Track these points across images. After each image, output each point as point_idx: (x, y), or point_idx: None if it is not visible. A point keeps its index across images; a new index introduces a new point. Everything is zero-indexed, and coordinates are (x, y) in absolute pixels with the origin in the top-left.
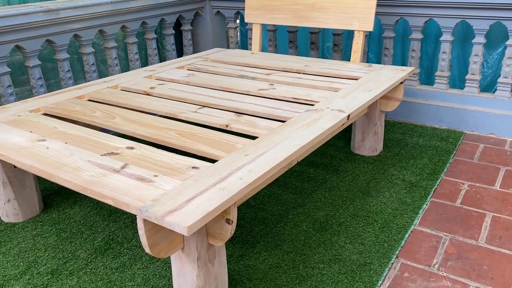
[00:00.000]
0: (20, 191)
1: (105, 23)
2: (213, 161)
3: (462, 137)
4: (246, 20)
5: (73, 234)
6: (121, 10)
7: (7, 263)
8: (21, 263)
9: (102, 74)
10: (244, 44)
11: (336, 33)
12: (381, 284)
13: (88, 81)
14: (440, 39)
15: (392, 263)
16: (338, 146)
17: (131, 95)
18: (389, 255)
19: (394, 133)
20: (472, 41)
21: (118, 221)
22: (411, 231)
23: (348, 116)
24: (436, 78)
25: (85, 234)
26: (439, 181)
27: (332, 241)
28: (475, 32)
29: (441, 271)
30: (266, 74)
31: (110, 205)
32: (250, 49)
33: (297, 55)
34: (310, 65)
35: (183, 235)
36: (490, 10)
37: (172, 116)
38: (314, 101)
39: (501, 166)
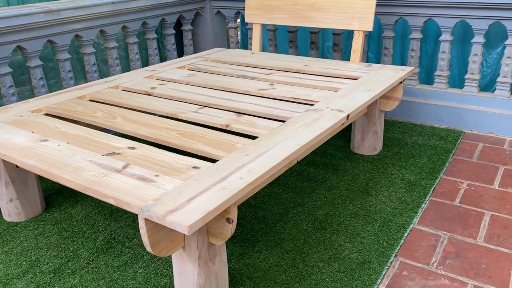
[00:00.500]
0: (22, 191)
1: (106, 23)
2: (213, 161)
3: (461, 136)
4: (246, 20)
5: (75, 233)
6: (122, 10)
7: (9, 262)
8: (24, 262)
9: (102, 73)
10: (245, 43)
11: (336, 33)
12: (380, 282)
13: (89, 81)
14: (440, 38)
15: (391, 262)
16: (337, 145)
17: (132, 95)
18: (388, 254)
19: (394, 133)
20: (472, 40)
21: (119, 220)
22: (410, 230)
23: (348, 116)
24: (435, 77)
25: (86, 233)
26: (438, 180)
27: (331, 240)
28: (474, 31)
29: (440, 269)
30: (266, 74)
31: (111, 205)
32: (251, 49)
33: (297, 55)
34: (310, 65)
35: (184, 234)
36: (489, 10)
37: (172, 116)
38: (313, 101)
39: (500, 165)
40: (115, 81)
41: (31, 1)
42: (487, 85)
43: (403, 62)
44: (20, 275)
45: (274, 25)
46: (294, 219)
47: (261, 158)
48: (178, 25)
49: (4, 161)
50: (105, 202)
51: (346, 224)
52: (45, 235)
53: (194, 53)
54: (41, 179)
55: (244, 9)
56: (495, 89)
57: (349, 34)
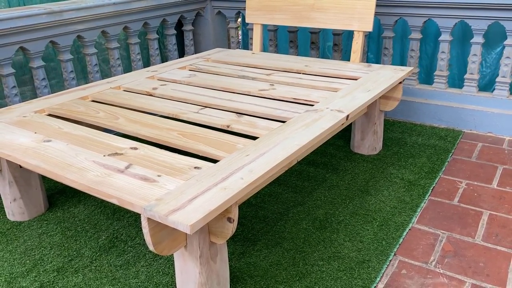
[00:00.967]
0: (25, 190)
1: (107, 24)
2: (214, 161)
3: (461, 136)
4: (247, 21)
5: (77, 233)
6: (124, 11)
7: (13, 261)
8: (28, 261)
9: (104, 73)
10: (246, 44)
11: (336, 33)
12: (379, 281)
13: (91, 81)
14: (439, 39)
15: (390, 260)
16: (337, 145)
17: (133, 96)
18: (387, 253)
19: (394, 132)
20: (471, 41)
21: (121, 219)
22: (409, 229)
23: (347, 116)
24: (435, 77)
25: (89, 233)
26: (437, 179)
27: (331, 239)
28: (473, 32)
29: (438, 268)
30: (267, 75)
31: (114, 204)
32: (251, 49)
33: (297, 55)
34: (310, 65)
35: (186, 233)
36: (488, 10)
37: (174, 117)
38: (313, 101)
39: (499, 164)
40: (117, 82)
41: (32, 2)
42: (487, 85)
43: (402, 62)
44: (24, 273)
45: (274, 25)
46: (294, 218)
47: (262, 158)
48: (179, 25)
49: (7, 161)
50: (108, 202)
51: (346, 223)
52: (49, 234)
53: (195, 53)
54: (44, 179)
55: (245, 10)
56: (494, 89)
57: (350, 34)
